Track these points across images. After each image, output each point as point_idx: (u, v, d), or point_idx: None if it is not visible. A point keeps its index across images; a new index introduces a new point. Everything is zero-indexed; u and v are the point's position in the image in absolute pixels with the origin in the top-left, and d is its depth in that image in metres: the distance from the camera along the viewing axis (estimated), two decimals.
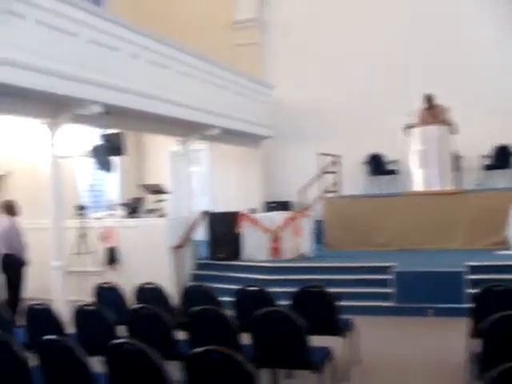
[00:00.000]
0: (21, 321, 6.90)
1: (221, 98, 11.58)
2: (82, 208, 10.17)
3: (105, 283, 7.04)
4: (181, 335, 5.55)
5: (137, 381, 4.16)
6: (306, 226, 10.82)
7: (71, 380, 4.40)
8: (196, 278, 10.64)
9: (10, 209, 9.03)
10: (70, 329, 5.83)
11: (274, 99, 14.27)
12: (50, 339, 4.43)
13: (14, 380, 4.61)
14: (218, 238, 10.97)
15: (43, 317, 5.81)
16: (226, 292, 7.42)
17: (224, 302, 6.36)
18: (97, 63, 7.96)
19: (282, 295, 6.89)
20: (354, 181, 13.79)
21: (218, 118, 11.35)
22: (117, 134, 9.90)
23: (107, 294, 6.81)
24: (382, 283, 9.16)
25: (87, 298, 8.01)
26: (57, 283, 8.26)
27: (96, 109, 7.94)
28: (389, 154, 13.75)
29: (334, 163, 13.25)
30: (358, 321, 6.48)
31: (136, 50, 8.87)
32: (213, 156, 15.12)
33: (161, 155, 15.29)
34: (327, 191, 12.99)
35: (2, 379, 4.70)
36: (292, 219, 10.62)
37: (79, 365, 4.23)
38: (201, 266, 11.11)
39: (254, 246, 10.64)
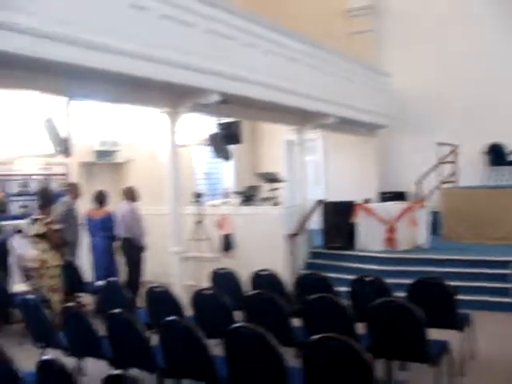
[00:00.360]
0: (141, 302, 7.18)
1: (336, 86, 11.47)
2: (198, 195, 10.38)
3: (221, 269, 7.18)
4: (294, 322, 5.59)
5: (254, 365, 4.23)
6: (423, 216, 10.57)
7: (190, 360, 4.53)
8: (310, 266, 10.65)
9: (131, 194, 9.39)
10: (188, 312, 6.00)
11: (390, 87, 14.00)
12: (171, 320, 4.58)
13: (136, 356, 4.80)
14: (332, 228, 10.92)
15: (163, 299, 6.02)
16: (339, 281, 7.37)
17: (337, 291, 6.33)
18: (215, 53, 8.07)
19: (397, 286, 6.77)
20: (473, 171, 13.29)
21: (333, 107, 11.26)
22: (234, 122, 10.03)
23: (224, 280, 6.95)
24: (502, 278, 8.82)
25: (203, 282, 8.22)
26: (175, 268, 8.48)
27: (214, 98, 8.07)
28: (511, 143, 13.18)
29: (451, 153, 12.86)
30: (475, 315, 6.28)
31: (252, 39, 8.92)
32: (327, 145, 15.05)
33: (276, 144, 15.39)
34: (444, 182, 12.63)
35: (126, 355, 4.91)
36: (408, 210, 10.41)
37: (198, 346, 4.35)
38: (315, 255, 11.11)
39: (369, 236, 10.52)
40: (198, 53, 7.72)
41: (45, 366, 3.70)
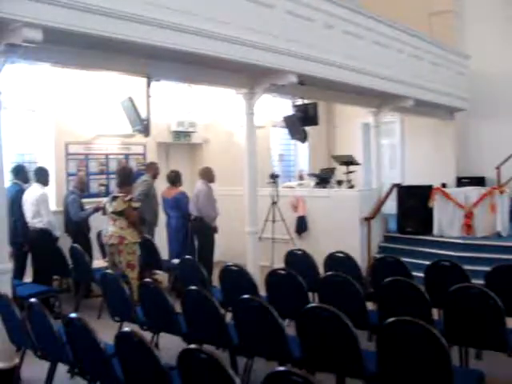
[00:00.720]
0: (213, 282, 7.28)
1: (415, 68, 11.22)
2: (274, 177, 10.39)
3: (296, 250, 7.18)
4: (368, 306, 5.54)
5: (328, 346, 4.23)
6: (502, 203, 10.26)
7: (264, 339, 4.56)
8: (384, 250, 10.52)
9: (207, 175, 9.46)
10: (262, 292, 6.03)
11: (470, 70, 13.59)
12: (246, 298, 4.62)
13: (211, 333, 4.88)
14: (407, 212, 10.73)
15: (237, 278, 6.07)
16: (413, 266, 7.21)
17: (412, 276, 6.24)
18: (293, 34, 8.03)
19: (474, 273, 6.61)
20: None
21: (411, 89, 11.01)
22: (311, 103, 9.97)
23: (298, 261, 6.94)
24: None
25: (276, 263, 8.26)
26: (249, 248, 8.53)
27: (292, 79, 8.03)
28: None
29: None
30: None
31: (331, 20, 8.83)
32: (404, 128, 14.78)
33: (352, 126, 15.21)
34: None
35: (201, 331, 5.00)
36: (487, 195, 10.13)
37: (273, 325, 4.37)
38: (389, 239, 10.96)
39: (446, 221, 10.28)
40: (276, 34, 7.69)
41: (124, 338, 3.80)
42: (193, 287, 4.96)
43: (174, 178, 9.51)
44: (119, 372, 3.95)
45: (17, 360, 5.58)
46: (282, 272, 5.85)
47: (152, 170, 9.54)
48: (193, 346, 3.36)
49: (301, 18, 8.15)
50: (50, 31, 5.23)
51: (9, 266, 5.73)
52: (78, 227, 8.74)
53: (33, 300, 4.74)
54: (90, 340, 3.97)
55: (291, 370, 2.87)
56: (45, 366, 5.02)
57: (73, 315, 4.22)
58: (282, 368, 2.94)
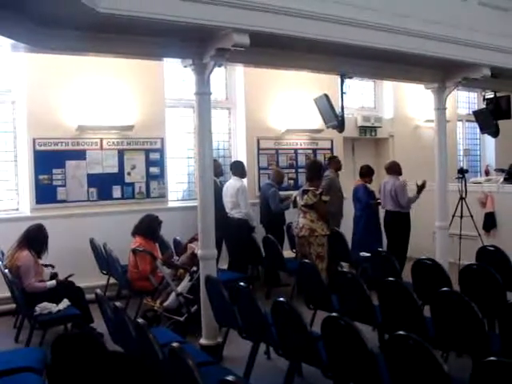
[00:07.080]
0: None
1: None
2: (463, 171, 10.15)
3: (490, 246, 7.04)
4: None
5: None
6: None
7: (464, 333, 4.56)
8: None
9: (395, 169, 9.47)
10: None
11: None
12: (445, 291, 4.68)
13: (408, 324, 4.95)
14: None
15: (430, 272, 6.09)
16: None
17: None
18: (486, 25, 7.82)
19: None
20: None
21: None
22: (504, 96, 9.65)
23: (491, 258, 6.77)
24: None
25: (463, 260, 8.15)
26: (439, 243, 8.44)
27: (485, 72, 7.84)
28: None
29: None
30: None
31: None
32: None
33: None
34: None
35: (396, 322, 5.10)
36: None
37: (473, 319, 4.38)
38: None
39: None
40: (469, 26, 7.55)
41: (330, 322, 4.03)
42: (391, 278, 5.09)
43: (360, 171, 9.75)
44: (323, 354, 4.19)
45: (219, 338, 6.05)
46: (475, 267, 5.80)
47: (334, 163, 9.73)
48: (401, 332, 3.50)
49: (496, 8, 7.94)
50: (255, 35, 5.59)
51: (214, 251, 6.21)
52: (274, 219, 9.17)
53: (242, 284, 5.13)
54: (297, 323, 4.25)
55: (505, 360, 2.93)
56: (242, 345, 5.38)
57: (280, 299, 4.54)
58: (493, 358, 2.99)
